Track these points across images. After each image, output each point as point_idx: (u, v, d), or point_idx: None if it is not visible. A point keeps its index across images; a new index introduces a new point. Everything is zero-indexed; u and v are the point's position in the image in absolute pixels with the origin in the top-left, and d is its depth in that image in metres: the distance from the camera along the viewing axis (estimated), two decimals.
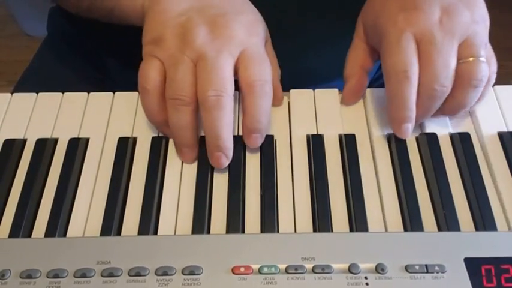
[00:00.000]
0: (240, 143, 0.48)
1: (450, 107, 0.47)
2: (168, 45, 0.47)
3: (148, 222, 0.43)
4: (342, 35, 0.57)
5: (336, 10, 0.63)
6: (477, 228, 0.43)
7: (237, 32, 0.47)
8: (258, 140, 0.48)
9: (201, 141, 0.48)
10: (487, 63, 0.46)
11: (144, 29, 0.49)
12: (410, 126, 0.47)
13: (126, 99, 0.53)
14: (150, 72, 0.47)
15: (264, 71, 0.47)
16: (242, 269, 0.39)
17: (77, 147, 0.48)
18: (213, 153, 0.46)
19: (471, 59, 0.46)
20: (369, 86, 0.53)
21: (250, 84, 0.46)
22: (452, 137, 0.49)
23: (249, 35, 0.48)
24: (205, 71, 0.45)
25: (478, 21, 0.47)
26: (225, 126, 0.45)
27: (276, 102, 0.51)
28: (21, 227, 0.43)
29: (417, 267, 0.39)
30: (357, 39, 0.53)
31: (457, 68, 0.46)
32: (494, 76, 0.49)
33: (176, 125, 0.46)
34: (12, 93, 0.54)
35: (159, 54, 0.47)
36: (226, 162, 0.46)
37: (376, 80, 0.74)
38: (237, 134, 0.50)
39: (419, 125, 0.50)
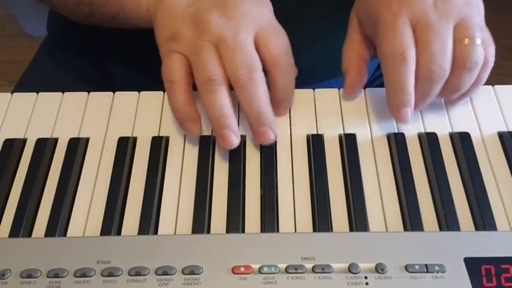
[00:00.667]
0: (239, 142, 0.48)
1: (445, 89, 0.47)
2: (185, 37, 0.47)
3: (149, 222, 0.43)
4: (337, 30, 0.56)
5: (330, 5, 0.63)
6: (477, 228, 0.43)
7: (248, 9, 0.47)
8: (287, 110, 0.50)
9: (201, 140, 0.48)
10: (482, 47, 0.46)
11: (157, 30, 0.49)
12: (409, 110, 0.47)
13: (126, 99, 0.53)
14: (173, 66, 0.47)
15: (283, 42, 0.48)
16: (242, 269, 0.39)
17: (77, 147, 0.48)
18: (258, 129, 0.46)
19: (466, 40, 0.46)
20: (369, 86, 0.53)
21: (273, 57, 0.47)
22: (452, 136, 0.49)
23: (260, 10, 0.48)
24: (229, 51, 0.45)
25: (472, 4, 0.47)
26: (263, 99, 0.46)
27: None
28: (22, 227, 0.43)
29: (417, 267, 0.39)
30: (352, 30, 0.53)
31: (452, 50, 0.46)
32: (492, 60, 0.48)
33: (212, 106, 0.45)
34: (12, 93, 0.54)
35: (178, 48, 0.47)
36: (273, 137, 0.46)
37: (376, 80, 0.74)
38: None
39: (421, 124, 0.50)
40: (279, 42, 0.48)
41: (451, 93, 0.48)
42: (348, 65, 0.52)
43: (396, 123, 0.50)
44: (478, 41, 0.46)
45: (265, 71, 0.47)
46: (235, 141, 0.46)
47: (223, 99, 0.45)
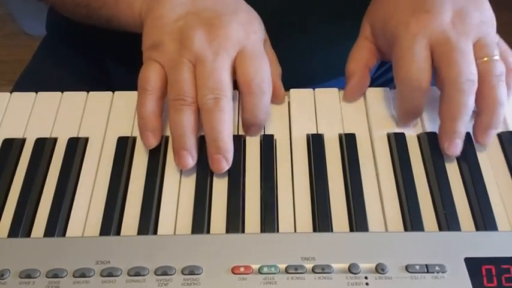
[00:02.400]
0: (240, 143, 0.48)
1: (484, 105, 0.47)
2: (167, 49, 0.47)
3: (148, 222, 0.43)
4: (343, 35, 0.56)
5: (337, 10, 0.63)
6: (477, 228, 0.43)
7: (234, 31, 0.47)
8: (257, 132, 0.49)
9: (200, 142, 0.48)
10: (501, 61, 0.47)
11: (144, 36, 0.50)
12: (411, 128, 0.49)
13: (126, 99, 0.52)
14: (150, 74, 0.47)
15: (261, 69, 0.47)
16: (242, 269, 0.39)
17: (76, 147, 0.48)
18: (213, 155, 0.46)
19: (486, 59, 0.46)
20: (370, 85, 0.53)
21: (247, 83, 0.47)
22: None
23: (245, 33, 0.48)
24: (204, 75, 0.46)
25: (487, 22, 0.48)
26: (225, 127, 0.45)
27: (278, 100, 0.51)
28: (21, 227, 0.43)
29: (417, 267, 0.39)
30: (363, 38, 0.53)
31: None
32: None
33: (177, 124, 0.46)
34: (11, 92, 0.53)
35: (158, 58, 0.48)
36: (226, 166, 0.46)
37: (376, 80, 0.74)
38: (237, 133, 0.50)
39: (421, 124, 0.50)
40: (257, 67, 0.47)
41: (494, 110, 0.47)
42: (352, 71, 0.52)
43: (396, 123, 0.50)
44: (497, 57, 0.47)
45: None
46: (190, 163, 0.46)
47: (188, 120, 0.46)
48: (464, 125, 0.46)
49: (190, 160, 0.46)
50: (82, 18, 0.58)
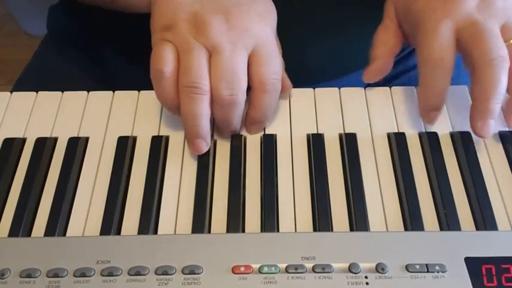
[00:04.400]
0: (240, 142, 0.48)
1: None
2: (181, 31, 0.46)
3: (148, 222, 0.43)
4: (344, 27, 0.56)
5: (346, 5, 0.62)
6: (478, 228, 0.43)
7: (251, 23, 0.47)
8: (260, 129, 0.50)
9: None
10: None
11: (154, 16, 0.48)
12: (438, 114, 0.48)
13: (126, 98, 0.52)
14: (164, 54, 0.46)
15: (277, 67, 0.48)
16: (242, 269, 0.39)
17: (77, 147, 0.48)
18: (223, 132, 0.48)
19: (511, 41, 0.46)
20: (369, 85, 0.53)
21: (263, 82, 0.47)
22: (453, 136, 0.49)
23: (262, 26, 0.48)
24: (221, 67, 0.45)
25: (510, 8, 0.48)
26: (237, 119, 0.47)
27: (286, 92, 0.51)
28: (21, 226, 0.43)
29: (417, 266, 0.39)
30: (388, 20, 0.53)
31: None
32: None
33: (191, 114, 0.45)
34: (11, 92, 0.53)
35: (171, 38, 0.46)
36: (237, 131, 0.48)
37: None
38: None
39: (421, 124, 0.50)
40: (272, 65, 0.47)
41: None
42: (378, 54, 0.52)
43: (397, 123, 0.50)
44: None
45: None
46: (205, 149, 0.47)
47: (201, 109, 0.45)
48: (498, 103, 0.45)
49: (205, 146, 0.46)
50: None
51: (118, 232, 0.43)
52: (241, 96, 0.46)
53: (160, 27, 0.47)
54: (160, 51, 0.46)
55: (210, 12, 0.46)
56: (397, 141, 0.48)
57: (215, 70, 0.45)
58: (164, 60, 0.45)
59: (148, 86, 0.53)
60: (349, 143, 0.48)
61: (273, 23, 0.50)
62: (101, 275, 0.39)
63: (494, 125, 0.47)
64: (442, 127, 0.50)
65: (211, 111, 0.46)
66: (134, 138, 0.49)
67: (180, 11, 0.47)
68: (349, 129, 0.50)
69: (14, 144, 0.49)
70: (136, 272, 0.39)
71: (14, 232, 0.43)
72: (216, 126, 0.49)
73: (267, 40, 0.48)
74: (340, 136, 0.49)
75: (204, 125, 0.46)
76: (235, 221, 0.43)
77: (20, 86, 0.71)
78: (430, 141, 0.48)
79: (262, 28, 0.47)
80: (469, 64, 0.47)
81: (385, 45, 0.52)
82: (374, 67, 0.51)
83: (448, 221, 0.43)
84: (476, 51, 0.45)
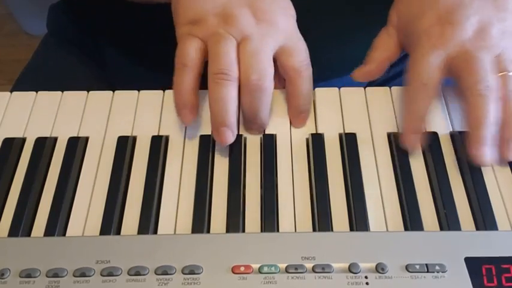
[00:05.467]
0: (240, 142, 0.48)
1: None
2: (210, 24, 0.47)
3: (148, 222, 0.43)
4: (346, 34, 0.56)
5: (346, 7, 0.62)
6: (478, 228, 0.43)
7: (278, 18, 0.48)
8: (305, 120, 0.50)
9: (201, 139, 0.48)
10: None
11: (179, 9, 0.48)
12: (417, 138, 0.47)
13: (126, 98, 0.52)
14: (190, 49, 0.46)
15: (305, 55, 0.49)
16: (242, 269, 0.39)
17: (77, 146, 0.48)
18: (252, 127, 0.48)
19: (503, 73, 0.47)
20: (369, 85, 0.53)
21: (296, 68, 0.48)
22: (453, 135, 0.49)
23: (287, 19, 0.49)
24: (250, 54, 0.46)
25: (509, 37, 0.48)
26: (265, 108, 0.47)
27: None
28: (21, 226, 0.43)
29: (417, 266, 0.39)
30: (391, 27, 0.53)
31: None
32: None
33: (219, 100, 0.45)
34: (11, 91, 0.53)
35: (199, 33, 0.47)
36: (261, 131, 0.49)
37: (376, 79, 0.74)
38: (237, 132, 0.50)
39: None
40: (301, 54, 0.49)
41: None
42: (374, 58, 0.52)
43: (397, 123, 0.50)
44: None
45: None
46: (231, 139, 0.46)
47: (230, 95, 0.45)
48: (490, 131, 0.45)
49: (231, 136, 0.46)
50: None
51: (118, 232, 0.43)
52: (269, 83, 0.46)
53: (187, 20, 0.48)
54: (186, 45, 0.47)
55: (237, 5, 0.47)
56: (397, 141, 0.48)
57: (243, 56, 0.46)
58: (188, 55, 0.46)
59: (149, 86, 0.53)
60: (349, 143, 0.48)
61: (294, 15, 0.51)
62: (101, 275, 0.39)
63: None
64: (442, 127, 0.50)
65: (239, 102, 0.46)
66: (134, 138, 0.49)
67: (208, 5, 0.47)
68: (349, 129, 0.50)
69: (14, 144, 0.49)
70: (136, 272, 0.39)
71: (13, 232, 0.43)
72: (243, 123, 0.49)
73: (292, 33, 0.49)
74: (340, 136, 0.49)
75: (231, 112, 0.45)
76: (235, 221, 0.43)
77: (20, 85, 0.71)
78: (430, 141, 0.48)
79: (287, 22, 0.49)
80: (459, 91, 0.47)
81: (383, 50, 0.52)
82: (366, 69, 0.52)
83: (448, 221, 0.43)
84: (465, 80, 0.46)
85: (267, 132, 0.50)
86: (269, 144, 0.48)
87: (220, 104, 0.45)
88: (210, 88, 0.46)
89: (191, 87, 0.46)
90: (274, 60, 0.48)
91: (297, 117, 0.50)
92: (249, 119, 0.48)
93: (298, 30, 0.50)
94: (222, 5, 0.47)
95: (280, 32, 0.48)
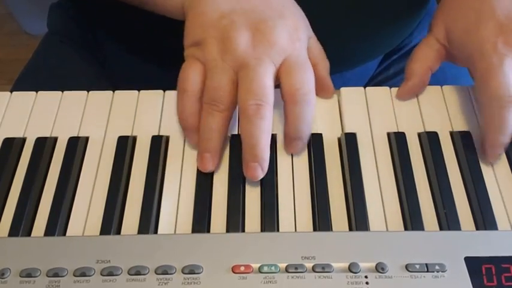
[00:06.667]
0: (240, 142, 0.48)
1: None
2: (209, 49, 0.47)
3: (148, 221, 0.43)
4: (345, 32, 0.55)
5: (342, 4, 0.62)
6: (478, 227, 0.43)
7: (280, 38, 0.47)
8: (299, 148, 0.47)
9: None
10: None
11: (185, 31, 0.49)
12: (502, 150, 0.47)
13: (126, 98, 0.52)
14: (190, 74, 0.47)
15: (307, 79, 0.47)
16: (242, 268, 0.39)
17: (77, 146, 0.48)
18: (249, 163, 0.45)
19: None
20: (370, 83, 0.53)
21: (292, 93, 0.46)
22: (453, 135, 0.49)
23: (291, 41, 0.47)
24: (247, 80, 0.45)
25: None
26: (264, 136, 0.45)
27: (327, 95, 0.51)
28: (21, 226, 0.43)
29: (417, 266, 0.39)
30: (433, 38, 0.52)
31: None
32: None
33: (206, 127, 0.46)
34: (11, 90, 0.53)
35: (200, 57, 0.47)
36: (261, 174, 0.45)
37: (377, 77, 0.74)
38: (236, 132, 0.50)
39: (421, 123, 0.50)
40: (303, 77, 0.46)
41: None
42: (415, 71, 0.51)
43: (397, 122, 0.50)
44: None
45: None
46: (211, 168, 0.46)
47: (216, 124, 0.46)
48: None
49: (211, 165, 0.46)
50: None
51: (118, 232, 0.43)
52: (268, 109, 0.45)
53: (190, 43, 0.48)
54: (188, 70, 0.47)
55: (237, 28, 0.46)
56: (397, 141, 0.48)
57: (241, 83, 0.45)
58: (190, 80, 0.47)
59: (149, 85, 0.53)
60: (349, 143, 0.48)
61: (304, 37, 0.49)
62: (101, 274, 0.39)
63: None
64: (442, 127, 0.50)
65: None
66: (134, 138, 0.49)
67: (208, 28, 0.47)
68: (349, 129, 0.50)
69: (14, 144, 0.49)
70: (136, 271, 0.39)
71: (14, 232, 0.43)
72: (242, 153, 0.45)
73: (295, 53, 0.47)
74: (340, 136, 0.49)
75: (216, 140, 0.46)
76: (235, 221, 0.43)
77: (20, 85, 0.71)
78: (430, 141, 0.48)
79: (291, 43, 0.47)
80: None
81: (424, 61, 0.52)
82: (410, 84, 0.51)
83: (448, 220, 0.43)
84: None
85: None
86: (270, 144, 0.48)
87: (207, 132, 0.46)
88: (201, 116, 0.46)
89: (192, 112, 0.47)
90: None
91: (288, 144, 0.47)
92: (247, 150, 0.45)
93: (305, 53, 0.48)
94: (222, 28, 0.47)
95: (281, 52, 0.46)
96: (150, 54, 0.68)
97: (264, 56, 0.46)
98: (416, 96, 0.52)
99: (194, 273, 0.39)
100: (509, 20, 0.48)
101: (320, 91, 0.50)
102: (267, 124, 0.45)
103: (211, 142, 0.46)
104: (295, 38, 0.48)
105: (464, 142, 0.48)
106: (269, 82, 0.45)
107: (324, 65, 0.52)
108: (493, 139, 0.46)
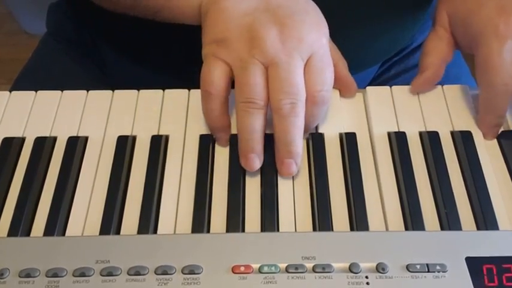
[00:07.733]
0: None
1: None
2: (235, 47, 0.45)
3: (148, 221, 0.43)
4: (356, 30, 0.55)
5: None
6: (478, 227, 0.43)
7: (307, 34, 0.46)
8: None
9: (201, 139, 0.48)
10: None
11: (205, 29, 0.48)
12: (499, 129, 0.49)
13: (126, 98, 0.52)
14: (214, 75, 0.46)
15: (329, 79, 0.47)
16: (242, 268, 0.39)
17: (76, 146, 0.48)
18: (284, 159, 0.45)
19: None
20: (371, 83, 0.53)
21: (313, 94, 0.46)
22: (453, 135, 0.49)
23: (317, 36, 0.47)
24: (279, 78, 0.44)
25: None
26: (299, 132, 0.45)
27: (351, 94, 0.52)
28: (20, 226, 0.43)
29: (418, 266, 0.39)
30: (440, 28, 0.52)
31: None
32: None
33: (248, 129, 0.45)
34: (10, 90, 0.53)
35: (224, 56, 0.46)
36: (295, 170, 0.45)
37: (379, 77, 0.74)
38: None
39: (422, 123, 0.50)
40: (325, 77, 0.46)
41: None
42: (429, 64, 0.51)
43: (397, 122, 0.50)
44: None
45: None
46: (258, 166, 0.46)
47: (257, 123, 0.45)
48: None
49: (258, 163, 0.46)
50: (124, 8, 0.55)
51: (117, 232, 0.43)
52: (301, 107, 0.44)
53: (212, 40, 0.47)
54: (210, 70, 0.46)
55: (263, 24, 0.45)
56: (398, 141, 0.48)
57: (273, 82, 0.45)
58: (214, 82, 0.46)
59: (148, 85, 0.53)
60: (349, 142, 0.48)
61: (327, 32, 0.49)
62: (101, 274, 0.39)
63: None
64: (443, 126, 0.50)
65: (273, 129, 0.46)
66: (134, 138, 0.49)
67: (232, 24, 0.46)
68: (349, 129, 0.49)
69: (13, 144, 0.49)
70: (136, 271, 0.39)
71: (13, 232, 0.43)
72: (276, 151, 0.46)
73: (321, 50, 0.47)
74: (340, 136, 0.49)
75: (259, 140, 0.45)
76: (235, 221, 0.43)
77: (19, 85, 0.70)
78: (431, 140, 0.48)
79: (317, 38, 0.47)
80: None
81: (437, 54, 0.52)
82: (423, 77, 0.51)
83: (448, 220, 0.43)
84: None
85: (267, 132, 0.50)
86: (269, 143, 0.48)
87: (249, 132, 0.45)
88: (238, 116, 0.45)
89: (220, 113, 0.47)
90: None
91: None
92: (282, 147, 0.45)
93: (328, 49, 0.48)
94: (248, 25, 0.45)
95: (308, 48, 0.46)
96: (149, 57, 0.68)
97: (294, 52, 0.45)
98: (417, 95, 0.52)
99: (194, 274, 0.39)
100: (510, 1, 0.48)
101: (344, 90, 0.50)
102: (300, 121, 0.45)
103: (254, 142, 0.45)
104: (320, 33, 0.47)
105: (465, 142, 0.48)
106: (301, 79, 0.45)
107: (343, 63, 0.51)
108: (489, 121, 0.48)
